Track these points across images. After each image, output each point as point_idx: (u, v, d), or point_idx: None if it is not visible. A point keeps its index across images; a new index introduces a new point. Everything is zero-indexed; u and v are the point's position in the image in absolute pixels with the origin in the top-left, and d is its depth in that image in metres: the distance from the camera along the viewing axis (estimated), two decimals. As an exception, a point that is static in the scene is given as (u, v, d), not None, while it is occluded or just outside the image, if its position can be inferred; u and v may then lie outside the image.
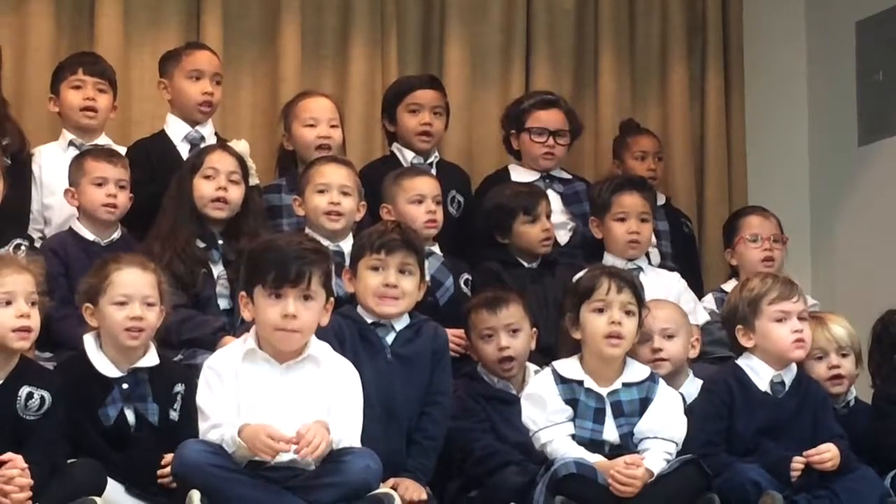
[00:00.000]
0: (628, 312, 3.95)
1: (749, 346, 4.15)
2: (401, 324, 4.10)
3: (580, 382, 3.92)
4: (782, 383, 4.12)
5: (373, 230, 4.16)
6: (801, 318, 4.14)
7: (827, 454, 3.95)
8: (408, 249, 4.08)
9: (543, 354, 4.38)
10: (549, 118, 5.37)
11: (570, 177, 5.46)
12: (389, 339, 4.08)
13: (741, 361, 4.16)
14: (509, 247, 4.91)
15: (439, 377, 4.10)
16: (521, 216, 4.89)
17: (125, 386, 3.81)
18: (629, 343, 3.97)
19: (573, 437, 3.86)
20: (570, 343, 4.02)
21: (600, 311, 3.93)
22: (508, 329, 4.32)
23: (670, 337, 4.42)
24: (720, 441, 4.02)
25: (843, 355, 4.41)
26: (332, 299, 3.82)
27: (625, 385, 3.94)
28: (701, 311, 4.92)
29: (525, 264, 4.89)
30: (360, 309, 4.09)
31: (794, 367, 4.16)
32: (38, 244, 4.50)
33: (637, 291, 4.01)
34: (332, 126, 5.02)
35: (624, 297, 3.95)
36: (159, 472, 3.72)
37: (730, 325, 4.23)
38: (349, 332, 3.95)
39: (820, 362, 4.40)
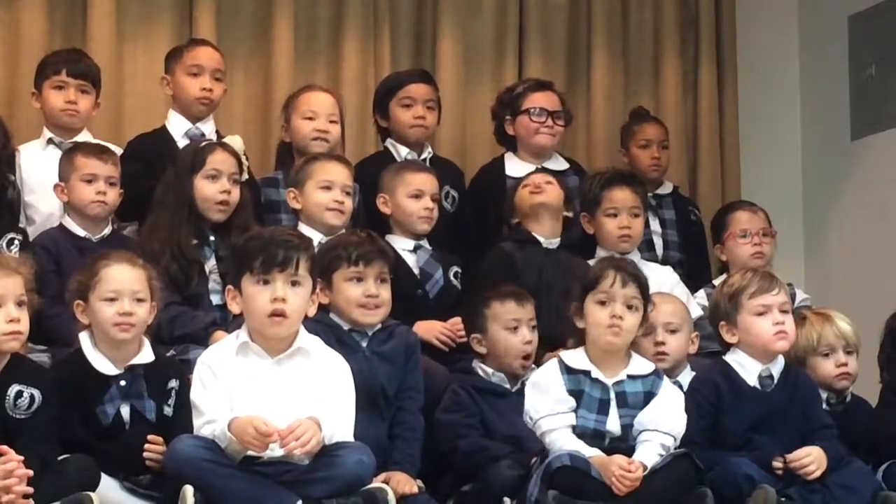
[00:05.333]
0: (630, 307, 3.96)
1: (733, 341, 4.15)
2: (373, 329, 4.15)
3: (587, 373, 3.93)
4: (770, 377, 4.13)
5: (345, 242, 4.19)
6: (783, 311, 4.14)
7: (807, 458, 3.95)
8: (383, 259, 4.15)
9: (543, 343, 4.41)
10: (546, 100, 5.40)
11: (566, 166, 5.46)
12: (364, 343, 4.12)
13: (728, 357, 4.16)
14: (523, 224, 4.91)
15: (411, 374, 4.15)
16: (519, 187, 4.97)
17: (122, 383, 3.81)
18: (630, 336, 3.98)
19: (575, 427, 3.87)
20: (575, 331, 4.03)
21: (603, 303, 3.95)
22: (530, 324, 4.34)
23: (673, 332, 4.45)
24: (701, 440, 4.02)
25: (849, 352, 4.43)
26: (318, 291, 3.85)
27: (630, 377, 3.96)
28: (694, 305, 4.92)
29: (542, 242, 4.87)
30: (333, 316, 4.12)
31: (781, 359, 4.16)
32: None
33: (643, 286, 4.02)
34: (332, 121, 5.03)
35: (628, 292, 3.96)
36: (146, 446, 3.73)
37: (714, 321, 4.23)
38: (325, 338, 3.94)
39: (827, 359, 4.41)
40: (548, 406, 3.89)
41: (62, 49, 5.10)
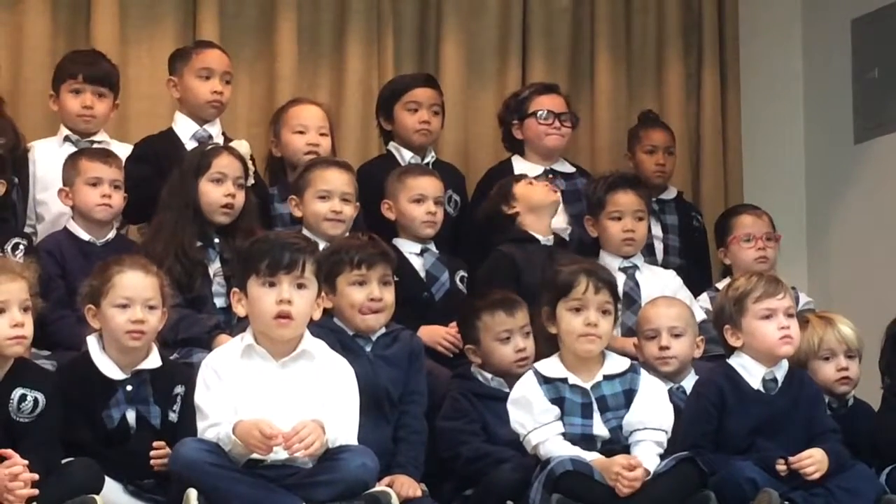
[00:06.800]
0: (605, 312, 3.94)
1: (737, 345, 4.14)
2: (378, 333, 4.15)
3: (564, 380, 3.92)
4: (774, 380, 4.12)
5: (348, 245, 4.20)
6: (788, 315, 4.13)
7: (808, 460, 3.94)
8: (385, 262, 4.15)
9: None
10: (553, 102, 5.42)
11: (572, 170, 5.48)
12: (368, 348, 4.13)
13: (733, 360, 4.15)
14: (518, 223, 4.90)
15: (415, 378, 4.16)
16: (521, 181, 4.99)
17: (129, 388, 3.83)
18: (606, 341, 3.97)
19: (564, 435, 3.86)
20: (546, 335, 4.02)
21: (577, 310, 3.93)
22: (523, 331, 4.32)
23: (678, 336, 4.46)
24: (706, 443, 4.02)
25: (850, 357, 4.42)
26: (324, 295, 3.85)
27: (606, 378, 3.94)
28: (697, 309, 4.92)
29: (541, 240, 4.87)
30: (337, 321, 4.12)
31: (785, 363, 4.15)
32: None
33: (614, 291, 4.01)
34: (322, 134, 5.03)
35: (601, 297, 3.94)
36: (152, 453, 3.74)
37: (718, 325, 4.22)
38: (329, 342, 3.94)
39: (828, 363, 4.40)
40: (533, 420, 3.88)
41: (79, 51, 5.10)
